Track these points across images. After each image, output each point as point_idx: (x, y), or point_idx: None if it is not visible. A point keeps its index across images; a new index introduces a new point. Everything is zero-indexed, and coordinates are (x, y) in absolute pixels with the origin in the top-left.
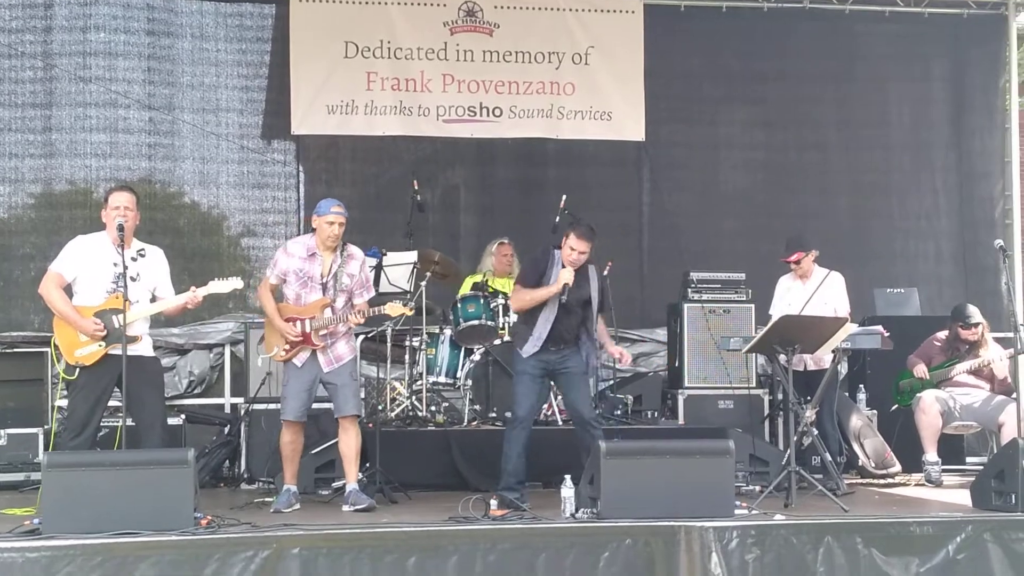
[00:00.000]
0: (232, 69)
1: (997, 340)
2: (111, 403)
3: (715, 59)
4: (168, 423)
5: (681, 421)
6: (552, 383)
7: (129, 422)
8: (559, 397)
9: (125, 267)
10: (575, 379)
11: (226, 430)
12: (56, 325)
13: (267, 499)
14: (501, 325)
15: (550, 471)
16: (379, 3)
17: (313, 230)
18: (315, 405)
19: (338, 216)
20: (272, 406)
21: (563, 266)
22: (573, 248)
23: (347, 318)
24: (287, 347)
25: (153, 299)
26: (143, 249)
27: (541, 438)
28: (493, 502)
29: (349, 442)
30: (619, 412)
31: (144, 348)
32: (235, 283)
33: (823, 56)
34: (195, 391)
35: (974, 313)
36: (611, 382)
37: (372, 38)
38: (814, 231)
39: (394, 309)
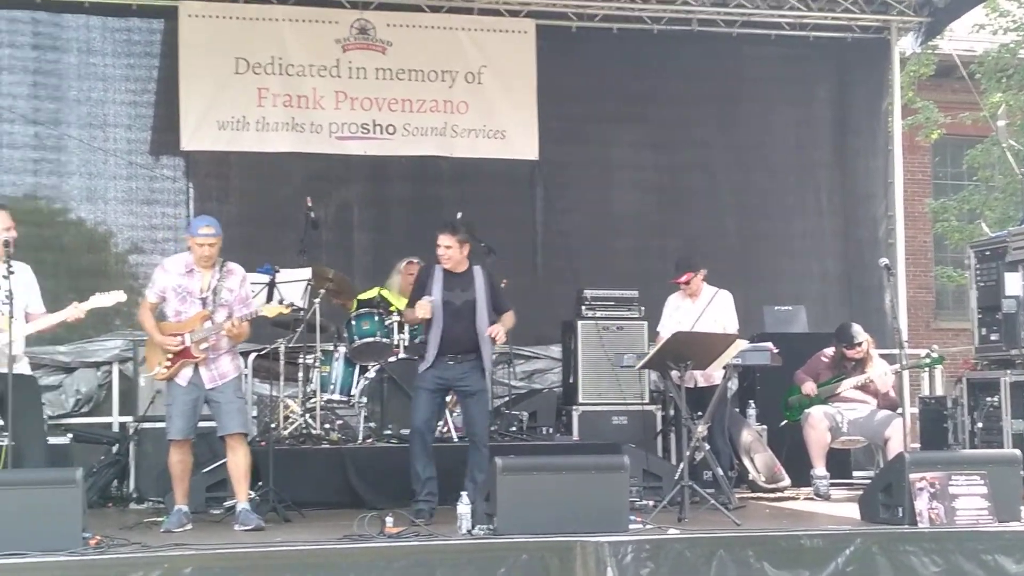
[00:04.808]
0: (120, 84)
1: (882, 356)
2: None
3: (606, 80)
4: (50, 441)
5: (576, 437)
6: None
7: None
8: (455, 414)
9: (10, 286)
10: (473, 399)
11: (114, 449)
12: None
13: (157, 519)
14: (396, 342)
15: (446, 488)
16: (270, 19)
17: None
18: (206, 424)
19: (207, 238)
20: (162, 424)
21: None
22: (438, 245)
23: (227, 329)
24: (168, 363)
25: (25, 316)
26: (11, 266)
27: (437, 455)
28: (388, 519)
29: (238, 461)
30: (514, 428)
31: (23, 367)
32: (118, 296)
33: (711, 78)
34: (82, 410)
35: (857, 333)
36: (506, 399)
37: (263, 54)
38: (703, 250)
39: (270, 310)
